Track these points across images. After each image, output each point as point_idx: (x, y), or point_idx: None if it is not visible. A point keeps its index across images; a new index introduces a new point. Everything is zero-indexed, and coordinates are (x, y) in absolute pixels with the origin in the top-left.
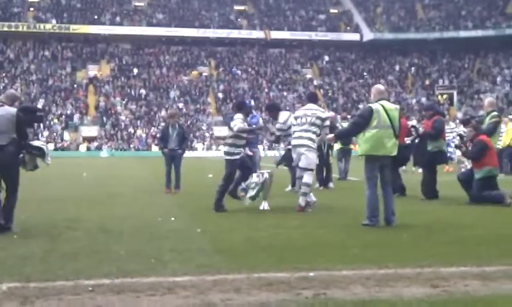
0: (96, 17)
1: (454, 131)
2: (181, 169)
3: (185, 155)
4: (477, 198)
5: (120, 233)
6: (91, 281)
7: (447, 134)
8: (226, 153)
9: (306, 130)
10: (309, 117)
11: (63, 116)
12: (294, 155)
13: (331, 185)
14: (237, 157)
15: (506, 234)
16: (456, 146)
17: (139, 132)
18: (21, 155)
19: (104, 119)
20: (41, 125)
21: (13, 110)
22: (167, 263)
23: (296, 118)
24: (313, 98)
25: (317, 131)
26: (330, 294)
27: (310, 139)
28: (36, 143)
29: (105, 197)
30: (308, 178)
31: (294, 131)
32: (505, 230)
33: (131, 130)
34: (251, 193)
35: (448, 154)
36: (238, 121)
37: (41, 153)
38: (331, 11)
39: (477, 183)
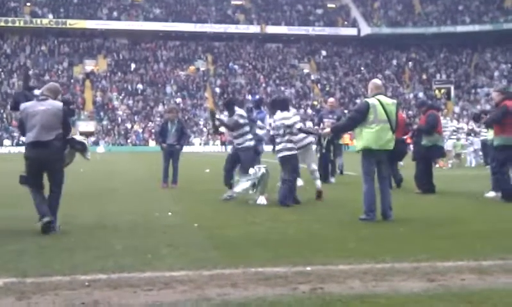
0: (93, 12)
1: (447, 126)
2: (178, 164)
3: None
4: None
5: (117, 228)
6: (87, 276)
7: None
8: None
9: None
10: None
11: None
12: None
13: (332, 180)
14: (294, 151)
15: (503, 228)
16: (475, 118)
17: (136, 127)
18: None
19: (101, 114)
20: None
21: (59, 104)
22: (164, 258)
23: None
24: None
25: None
26: (327, 289)
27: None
28: (77, 138)
29: (101, 192)
30: None
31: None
32: (501, 224)
33: (128, 125)
34: (244, 185)
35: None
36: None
37: (83, 147)
38: (329, 5)
39: (496, 151)
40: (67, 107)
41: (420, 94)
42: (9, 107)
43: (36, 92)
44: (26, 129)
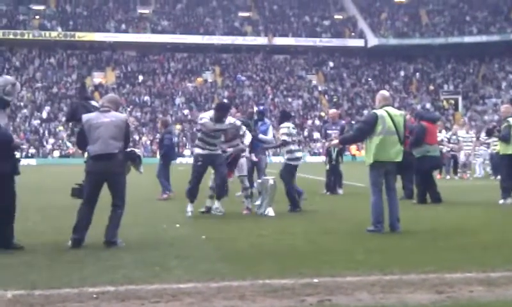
0: (101, 25)
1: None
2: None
3: (190, 161)
4: None
5: (124, 240)
6: (95, 288)
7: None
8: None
9: None
10: None
11: (69, 124)
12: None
13: (340, 191)
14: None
15: (510, 240)
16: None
17: (144, 138)
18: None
19: None
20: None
21: (123, 116)
22: (172, 270)
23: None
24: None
25: None
26: (335, 300)
27: None
28: (137, 151)
29: (109, 204)
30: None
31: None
32: (509, 235)
33: (136, 137)
34: (258, 202)
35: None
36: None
37: (140, 161)
38: (336, 17)
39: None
40: None
41: (428, 105)
42: (64, 118)
43: (94, 103)
44: (89, 141)
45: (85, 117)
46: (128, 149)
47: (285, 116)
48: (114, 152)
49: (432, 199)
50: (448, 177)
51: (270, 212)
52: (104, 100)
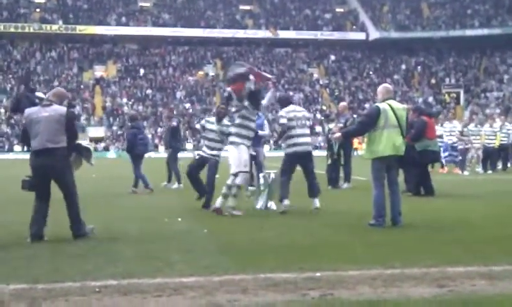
0: (102, 18)
1: (452, 131)
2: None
3: (191, 155)
4: None
5: (127, 234)
6: (98, 282)
7: (450, 138)
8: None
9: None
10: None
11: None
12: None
13: (345, 185)
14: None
15: None
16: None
17: (145, 132)
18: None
19: (111, 119)
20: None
21: (62, 109)
22: (174, 264)
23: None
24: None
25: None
26: (337, 294)
27: None
28: (83, 143)
29: (111, 197)
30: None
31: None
32: (510, 229)
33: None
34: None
35: (450, 157)
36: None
37: (89, 154)
38: (337, 10)
39: None
40: (71, 109)
41: (430, 99)
42: (9, 108)
43: (40, 95)
44: (30, 136)
45: (26, 112)
46: (75, 143)
47: (282, 102)
48: (53, 147)
49: (426, 192)
50: (466, 172)
51: (272, 205)
52: (49, 94)
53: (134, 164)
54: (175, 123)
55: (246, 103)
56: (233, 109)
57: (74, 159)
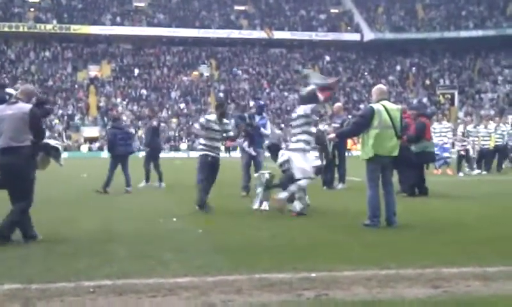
0: (96, 17)
1: (447, 131)
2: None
3: (186, 155)
4: None
5: (121, 234)
6: (92, 282)
7: (440, 138)
8: None
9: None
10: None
11: (65, 117)
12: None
13: (339, 186)
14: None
15: (508, 234)
16: None
17: (140, 132)
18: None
19: (105, 119)
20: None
21: (26, 107)
22: (168, 264)
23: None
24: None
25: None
26: (332, 295)
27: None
28: (52, 143)
29: (106, 197)
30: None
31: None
32: (506, 230)
33: (132, 130)
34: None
35: (442, 160)
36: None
37: (57, 153)
38: (332, 11)
39: None
40: (41, 106)
41: (424, 100)
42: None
43: (10, 91)
44: None
45: None
46: (43, 143)
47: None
48: (17, 145)
49: (420, 192)
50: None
51: (265, 206)
52: (18, 92)
53: (112, 164)
54: (155, 123)
55: (309, 111)
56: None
57: (41, 159)
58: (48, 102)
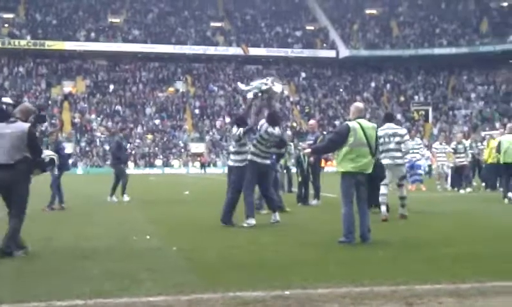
0: (71, 33)
1: (419, 148)
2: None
3: (161, 171)
4: None
5: (94, 252)
6: (63, 302)
7: (413, 155)
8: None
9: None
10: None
11: (38, 133)
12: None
13: (314, 202)
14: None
15: (479, 252)
16: None
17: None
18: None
19: (78, 135)
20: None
21: (24, 126)
22: (142, 282)
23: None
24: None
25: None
26: None
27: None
28: (46, 153)
29: (78, 215)
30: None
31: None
32: (478, 246)
33: (107, 147)
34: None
35: (416, 177)
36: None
37: (53, 165)
38: (308, 28)
39: None
40: (38, 113)
41: (398, 116)
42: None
43: (7, 100)
44: None
45: None
46: (39, 159)
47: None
48: (14, 162)
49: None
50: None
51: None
52: (16, 110)
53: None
54: (118, 139)
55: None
56: None
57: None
58: (43, 109)
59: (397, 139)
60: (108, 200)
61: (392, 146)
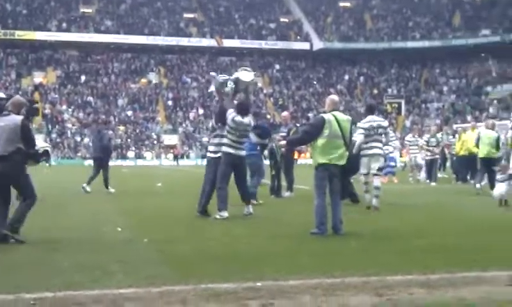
0: (42, 23)
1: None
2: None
3: (133, 163)
4: None
5: (64, 244)
6: (33, 294)
7: (386, 147)
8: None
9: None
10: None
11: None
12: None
13: (287, 194)
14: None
15: (450, 243)
16: None
17: (86, 140)
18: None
19: (49, 127)
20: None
21: (18, 119)
22: (112, 274)
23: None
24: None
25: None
26: (277, 304)
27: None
28: (41, 144)
29: (48, 207)
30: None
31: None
32: (449, 238)
33: (78, 138)
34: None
35: (389, 169)
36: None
37: (48, 157)
38: (282, 20)
39: None
40: (30, 105)
41: None
42: None
43: (0, 95)
44: None
45: None
46: (33, 151)
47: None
48: (8, 154)
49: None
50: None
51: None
52: (9, 103)
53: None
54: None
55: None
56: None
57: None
58: (36, 102)
59: (381, 130)
60: (111, 191)
61: (376, 137)
